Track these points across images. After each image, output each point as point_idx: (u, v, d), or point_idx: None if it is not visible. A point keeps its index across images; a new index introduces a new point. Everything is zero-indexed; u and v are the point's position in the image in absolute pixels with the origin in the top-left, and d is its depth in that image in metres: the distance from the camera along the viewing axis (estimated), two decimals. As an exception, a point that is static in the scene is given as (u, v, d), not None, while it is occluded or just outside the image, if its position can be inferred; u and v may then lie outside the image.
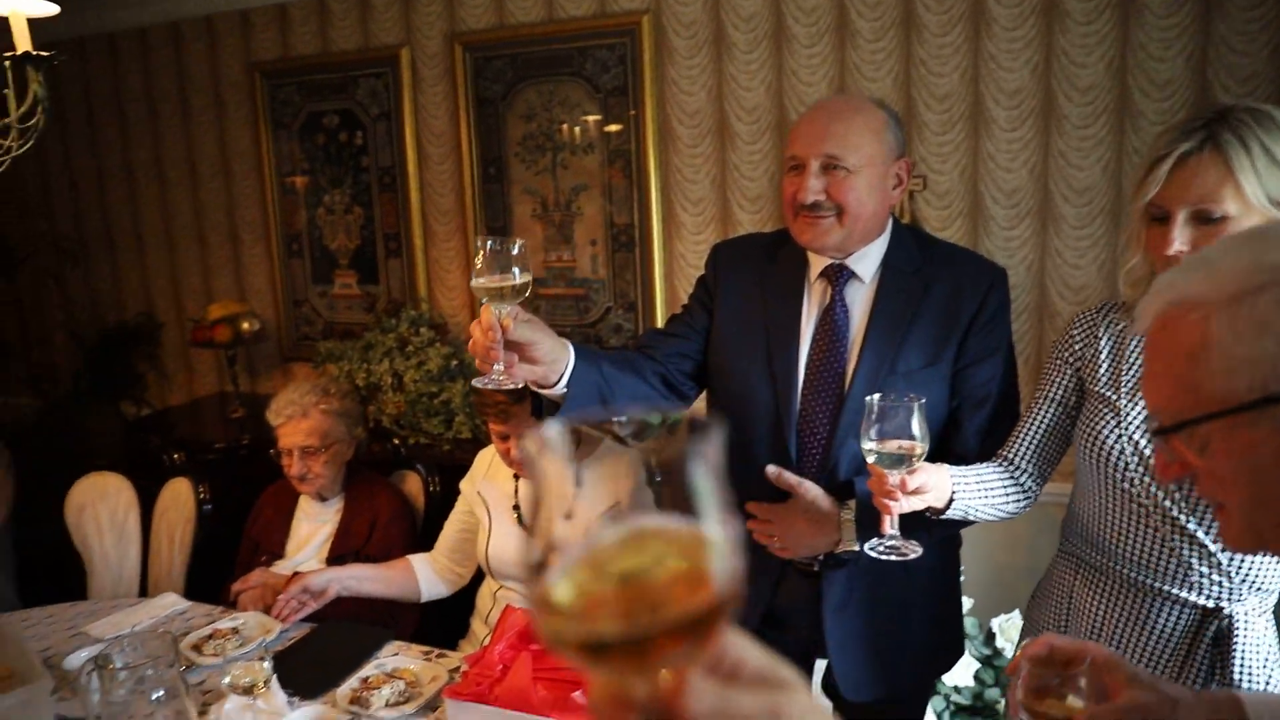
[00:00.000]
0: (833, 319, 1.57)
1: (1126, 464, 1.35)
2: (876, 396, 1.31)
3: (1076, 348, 1.50)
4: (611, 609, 0.38)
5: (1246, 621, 1.33)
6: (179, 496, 2.38)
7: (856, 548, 1.49)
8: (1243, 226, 1.22)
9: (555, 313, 3.41)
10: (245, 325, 3.75)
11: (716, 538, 0.40)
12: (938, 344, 1.54)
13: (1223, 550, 1.30)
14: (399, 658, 1.80)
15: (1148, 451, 1.33)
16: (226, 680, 1.57)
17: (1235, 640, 1.33)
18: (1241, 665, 1.32)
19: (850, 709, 1.69)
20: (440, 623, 2.31)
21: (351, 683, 1.71)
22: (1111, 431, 1.37)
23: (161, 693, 1.28)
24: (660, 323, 3.11)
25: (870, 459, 1.32)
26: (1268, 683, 1.33)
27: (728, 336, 1.65)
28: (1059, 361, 1.52)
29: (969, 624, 2.46)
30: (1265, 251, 0.83)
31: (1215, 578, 1.32)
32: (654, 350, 1.65)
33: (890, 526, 1.37)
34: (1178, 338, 0.85)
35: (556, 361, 1.37)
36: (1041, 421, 1.51)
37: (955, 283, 1.56)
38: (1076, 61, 2.55)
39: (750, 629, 1.57)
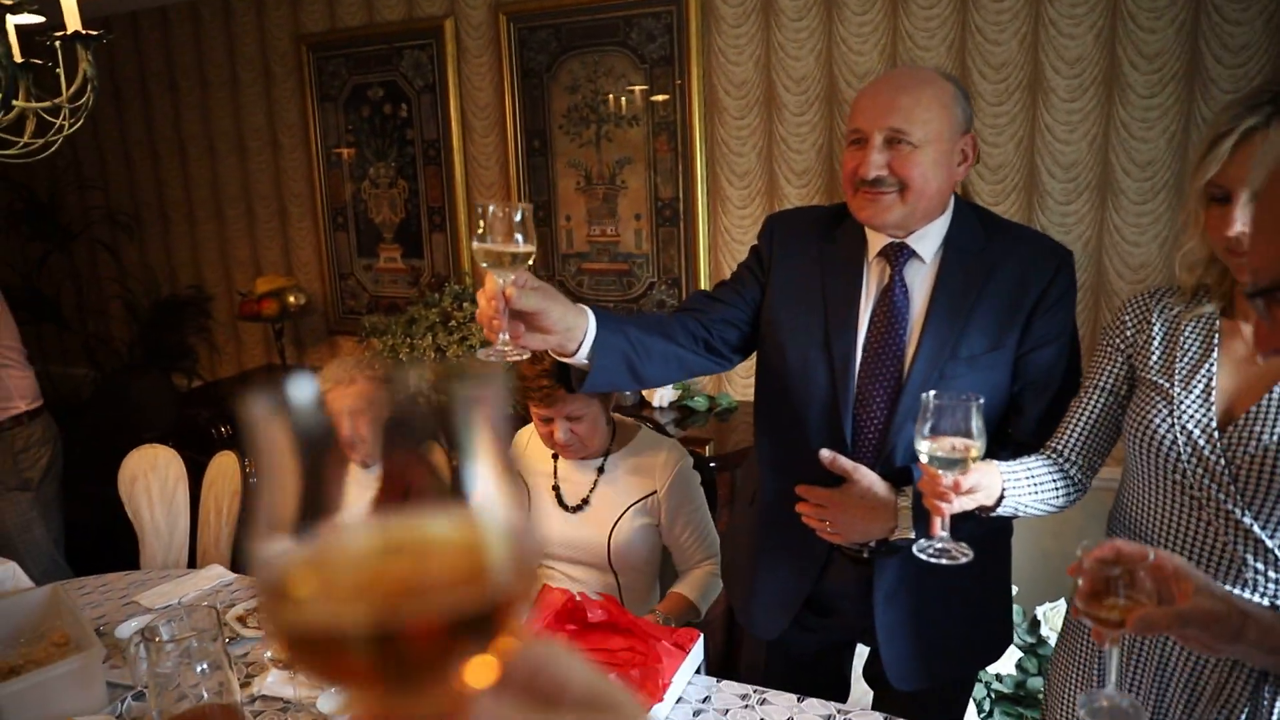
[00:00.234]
0: (891, 300, 1.51)
1: (1179, 454, 1.29)
2: (932, 394, 1.25)
3: (1129, 334, 1.43)
4: (359, 592, 0.31)
5: (1306, 622, 1.27)
6: (226, 469, 2.43)
7: (913, 535, 1.45)
8: None
9: (599, 288, 3.39)
10: (291, 299, 3.79)
11: (496, 521, 0.33)
12: (1001, 328, 1.48)
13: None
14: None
15: (1201, 442, 1.27)
16: (269, 654, 1.60)
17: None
18: (1300, 668, 1.27)
19: (894, 697, 1.66)
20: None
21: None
22: (1164, 421, 1.32)
23: (205, 665, 1.30)
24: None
25: (923, 458, 1.27)
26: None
27: (783, 314, 1.60)
28: (1109, 348, 1.46)
29: (1014, 611, 2.41)
30: None
31: (1272, 575, 1.26)
32: (700, 314, 1.60)
33: (941, 528, 1.33)
34: None
35: (573, 329, 1.33)
36: (1091, 411, 1.45)
37: (1021, 264, 1.49)
38: (1143, 26, 2.43)
39: (793, 614, 1.54)
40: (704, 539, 2.04)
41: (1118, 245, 2.57)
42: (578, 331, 1.34)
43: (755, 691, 1.55)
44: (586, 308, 1.38)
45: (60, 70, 1.88)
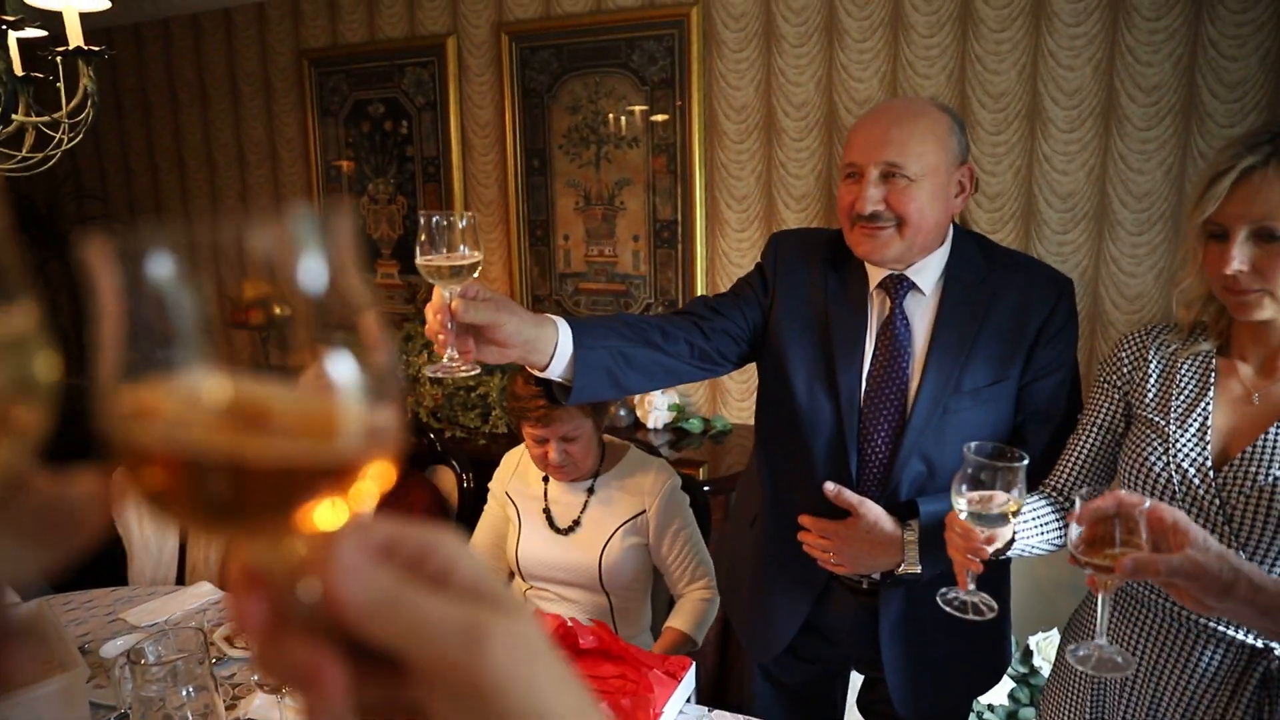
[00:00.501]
0: (893, 333, 1.50)
1: (1174, 492, 1.29)
2: (973, 446, 1.20)
3: (1125, 370, 1.43)
4: (208, 423, 0.30)
5: (1301, 664, 1.26)
6: (218, 484, 2.41)
7: (919, 569, 1.44)
8: None
9: (596, 308, 3.39)
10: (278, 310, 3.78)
11: (345, 373, 0.32)
12: (1005, 359, 1.47)
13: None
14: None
15: (1196, 480, 1.27)
16: (256, 676, 1.58)
17: (1288, 683, 1.26)
18: (1295, 710, 1.26)
19: None
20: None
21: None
22: (1159, 459, 1.31)
23: (191, 688, 1.29)
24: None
25: (962, 515, 1.22)
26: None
27: (787, 342, 1.57)
28: (1106, 385, 1.45)
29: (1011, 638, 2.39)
30: None
31: (1268, 614, 1.25)
32: (703, 322, 1.55)
33: (971, 581, 1.29)
34: None
35: (534, 341, 1.27)
36: (1088, 448, 1.45)
37: (1021, 293, 1.48)
38: (1141, 60, 2.45)
39: (790, 636, 1.52)
40: (694, 560, 2.02)
41: (1114, 275, 2.58)
42: (543, 343, 1.29)
43: (747, 721, 1.54)
44: (555, 319, 1.32)
45: (61, 85, 1.89)
